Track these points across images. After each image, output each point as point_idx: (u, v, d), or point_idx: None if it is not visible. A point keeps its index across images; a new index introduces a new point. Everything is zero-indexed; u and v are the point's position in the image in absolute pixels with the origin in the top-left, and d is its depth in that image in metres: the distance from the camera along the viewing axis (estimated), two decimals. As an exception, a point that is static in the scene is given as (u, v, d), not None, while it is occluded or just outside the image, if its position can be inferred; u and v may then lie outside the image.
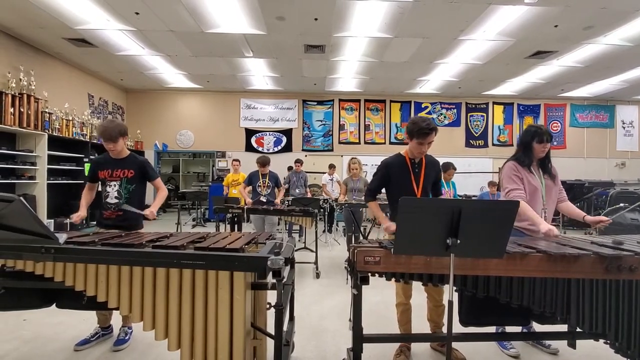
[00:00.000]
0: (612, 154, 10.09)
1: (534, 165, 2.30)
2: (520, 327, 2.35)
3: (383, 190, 2.44)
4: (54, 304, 2.07)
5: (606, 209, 6.36)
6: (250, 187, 4.79)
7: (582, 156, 9.95)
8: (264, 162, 4.65)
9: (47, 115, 6.08)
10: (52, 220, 5.97)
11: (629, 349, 1.63)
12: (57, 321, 2.77)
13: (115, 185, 2.41)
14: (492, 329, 2.17)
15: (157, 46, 6.34)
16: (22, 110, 5.56)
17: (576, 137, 10.02)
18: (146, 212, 2.39)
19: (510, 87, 8.79)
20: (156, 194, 2.61)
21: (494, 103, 9.91)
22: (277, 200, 4.69)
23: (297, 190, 6.64)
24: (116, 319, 2.49)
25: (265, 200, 4.56)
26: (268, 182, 4.68)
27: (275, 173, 4.89)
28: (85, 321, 2.72)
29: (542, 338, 2.37)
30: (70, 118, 6.70)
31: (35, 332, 2.61)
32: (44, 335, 2.56)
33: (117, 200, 2.40)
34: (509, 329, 2.32)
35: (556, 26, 5.30)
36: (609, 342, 1.67)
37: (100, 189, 2.52)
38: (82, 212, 2.41)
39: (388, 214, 2.52)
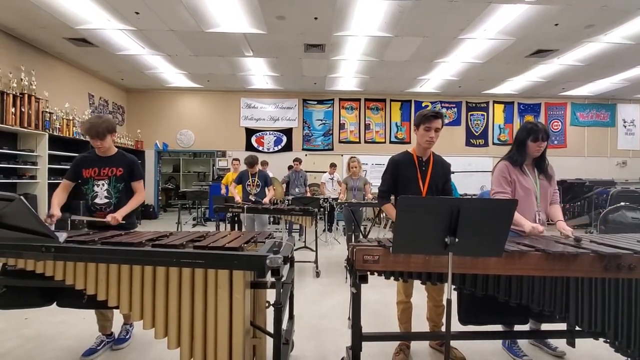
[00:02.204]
0: (613, 153, 10.06)
1: (528, 165, 2.19)
2: (528, 327, 2.29)
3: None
4: (55, 303, 2.07)
5: (607, 208, 6.35)
6: (240, 186, 4.81)
7: (583, 155, 9.93)
8: (251, 163, 4.62)
9: (48, 115, 6.08)
10: (53, 220, 5.98)
11: (628, 347, 1.63)
12: (58, 320, 2.79)
13: (104, 185, 2.29)
14: (490, 328, 2.16)
15: (157, 46, 6.35)
16: (23, 110, 5.57)
17: (577, 136, 10.00)
18: (107, 218, 2.16)
19: (510, 86, 8.77)
20: (135, 196, 2.40)
21: (494, 102, 9.89)
22: (266, 200, 4.60)
23: (296, 190, 6.64)
24: (116, 319, 2.49)
25: (254, 200, 4.56)
26: (257, 181, 4.67)
27: (264, 172, 4.90)
28: (86, 320, 2.73)
29: (542, 337, 2.38)
30: (71, 118, 6.71)
31: (37, 331, 2.63)
32: (46, 334, 2.58)
33: (107, 200, 2.28)
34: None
35: (557, 25, 5.28)
36: (608, 341, 1.67)
37: (85, 189, 2.33)
38: (57, 212, 2.20)
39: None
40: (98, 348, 2.30)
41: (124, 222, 2.26)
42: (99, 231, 2.15)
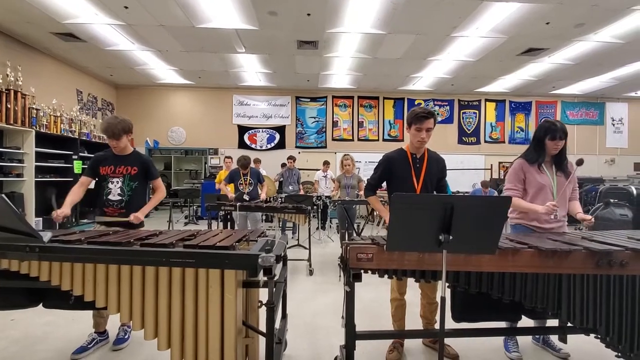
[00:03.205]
0: (601, 151, 10.23)
1: (546, 162, 2.20)
2: (533, 322, 2.28)
3: (383, 185, 2.42)
4: (41, 304, 2.02)
5: (596, 205, 6.44)
6: (232, 185, 4.78)
7: (573, 153, 10.06)
8: (244, 165, 4.61)
9: (35, 111, 5.95)
10: (41, 219, 5.87)
11: (619, 343, 1.64)
12: (46, 321, 2.73)
13: (118, 182, 2.38)
14: (483, 325, 2.17)
15: (147, 41, 6.24)
16: (9, 106, 5.43)
17: (567, 134, 10.12)
18: (130, 217, 2.29)
19: (502, 84, 8.84)
20: (153, 194, 2.57)
21: (486, 100, 9.97)
22: (263, 196, 4.65)
23: (290, 187, 6.61)
24: (111, 320, 2.43)
25: (248, 198, 4.53)
26: (250, 180, 4.65)
27: (256, 169, 4.87)
28: (74, 321, 2.68)
29: (534, 333, 2.40)
30: (59, 114, 6.57)
31: (24, 332, 2.57)
32: (33, 335, 2.52)
33: (120, 198, 2.36)
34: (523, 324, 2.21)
35: (548, 23, 5.33)
36: (599, 336, 1.68)
37: (92, 186, 2.46)
38: (66, 210, 2.24)
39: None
40: (89, 346, 2.29)
41: (150, 215, 2.34)
42: (106, 227, 2.27)
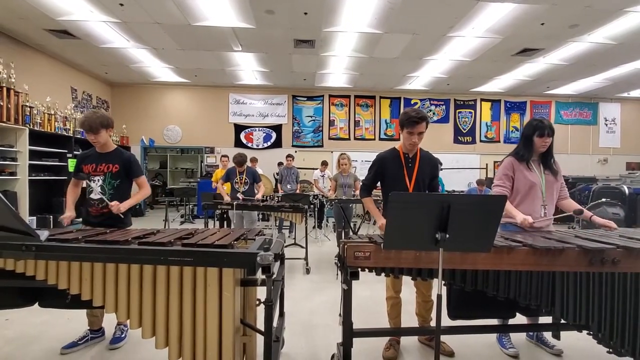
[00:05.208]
0: (594, 151, 10.34)
1: (534, 161, 2.24)
2: (526, 319, 2.29)
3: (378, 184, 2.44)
4: (37, 303, 2.01)
5: (589, 204, 6.52)
6: (228, 184, 4.76)
7: (566, 152, 10.17)
8: (241, 162, 4.58)
9: (28, 109, 5.88)
10: (35, 218, 5.82)
11: (611, 339, 1.67)
12: (41, 320, 2.71)
13: (99, 180, 2.33)
14: (478, 322, 2.19)
15: (142, 39, 6.20)
16: (1, 104, 5.36)
17: (560, 133, 10.21)
18: (112, 203, 2.22)
19: (497, 84, 8.90)
20: (139, 191, 2.50)
21: (481, 100, 10.02)
22: (258, 196, 4.61)
23: (288, 186, 6.61)
24: (108, 319, 2.43)
25: (243, 197, 4.52)
26: (245, 179, 4.63)
27: (252, 168, 4.85)
28: (70, 320, 2.67)
29: (528, 330, 2.43)
30: (53, 112, 6.50)
31: (18, 332, 2.55)
32: (28, 335, 2.51)
33: (100, 196, 2.32)
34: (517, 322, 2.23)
35: (542, 24, 5.37)
36: (592, 333, 1.71)
37: (85, 185, 2.43)
38: (71, 212, 2.34)
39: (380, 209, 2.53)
40: (79, 343, 2.31)
41: (122, 216, 2.31)
42: (91, 227, 2.22)
